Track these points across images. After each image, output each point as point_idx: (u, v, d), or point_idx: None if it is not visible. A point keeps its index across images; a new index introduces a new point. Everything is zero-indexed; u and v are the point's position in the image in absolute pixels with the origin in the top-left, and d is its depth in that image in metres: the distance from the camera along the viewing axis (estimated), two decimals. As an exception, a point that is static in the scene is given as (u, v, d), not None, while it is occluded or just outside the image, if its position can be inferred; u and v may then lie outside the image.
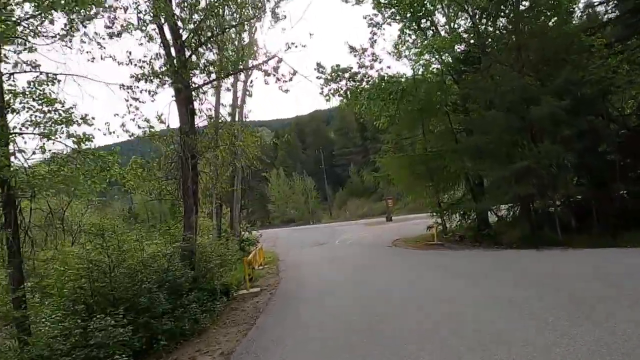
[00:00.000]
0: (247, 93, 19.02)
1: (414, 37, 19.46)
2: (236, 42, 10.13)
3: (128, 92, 9.28)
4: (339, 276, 12.19)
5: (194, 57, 10.01)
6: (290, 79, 11.40)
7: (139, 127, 9.59)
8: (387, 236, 25.25)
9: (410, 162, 18.24)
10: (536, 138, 13.84)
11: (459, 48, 18.91)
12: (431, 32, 19.75)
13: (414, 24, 19.71)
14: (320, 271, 13.87)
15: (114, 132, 9.11)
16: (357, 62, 20.69)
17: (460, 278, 9.93)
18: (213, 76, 11.38)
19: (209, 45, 10.00)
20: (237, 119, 19.43)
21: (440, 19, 20.84)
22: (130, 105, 9.44)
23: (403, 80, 19.69)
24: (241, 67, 10.03)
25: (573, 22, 16.06)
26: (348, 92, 20.76)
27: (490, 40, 16.69)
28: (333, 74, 20.55)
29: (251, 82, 19.69)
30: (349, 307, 8.28)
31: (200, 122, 10.78)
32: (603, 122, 13.82)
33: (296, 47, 10.55)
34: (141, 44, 9.67)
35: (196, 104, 10.54)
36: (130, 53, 9.45)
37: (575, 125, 13.14)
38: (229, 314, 9.24)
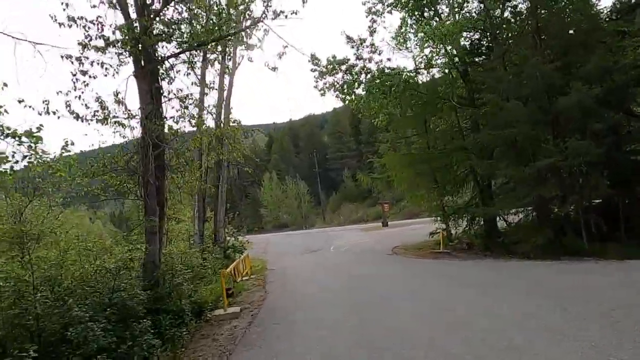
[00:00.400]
0: (228, 70, 17.08)
1: (415, 27, 17.63)
2: (215, 7, 8.22)
3: (73, 64, 7.33)
4: (335, 292, 10.23)
5: (160, 25, 8.07)
6: (280, 57, 9.54)
7: (87, 106, 7.61)
8: (386, 242, 23.37)
9: (413, 160, 16.38)
10: (561, 132, 12.05)
11: (467, 36, 17.18)
12: (435, 22, 17.99)
13: (416, 13, 17.97)
14: (314, 284, 11.94)
15: (55, 113, 7.13)
16: (355, 54, 18.86)
17: (491, 305, 8.06)
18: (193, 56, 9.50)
19: (178, 7, 8.07)
20: (222, 113, 17.51)
21: (444, 9, 19.12)
22: (77, 80, 7.48)
23: (405, 73, 17.92)
24: (218, 35, 8.12)
25: (595, 6, 14.32)
26: (345, 86, 18.92)
27: (504, 25, 14.88)
28: (329, 66, 18.72)
29: (238, 64, 17.94)
30: (350, 336, 6.40)
31: (170, 107, 8.83)
32: (625, 116, 12.15)
33: (286, 16, 8.64)
34: (94, 5, 7.73)
35: (165, 84, 8.62)
36: (79, 17, 7.50)
37: (605, 118, 11.37)
38: (196, 344, 7.22)
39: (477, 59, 16.81)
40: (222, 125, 17.52)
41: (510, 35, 14.40)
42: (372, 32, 18.32)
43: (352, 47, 18.90)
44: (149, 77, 7.84)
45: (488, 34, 14.84)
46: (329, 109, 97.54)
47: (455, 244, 17.04)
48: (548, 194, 11.57)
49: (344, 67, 18.85)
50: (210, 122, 17.20)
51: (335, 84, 19.10)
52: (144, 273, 7.77)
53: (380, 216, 59.75)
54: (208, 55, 17.33)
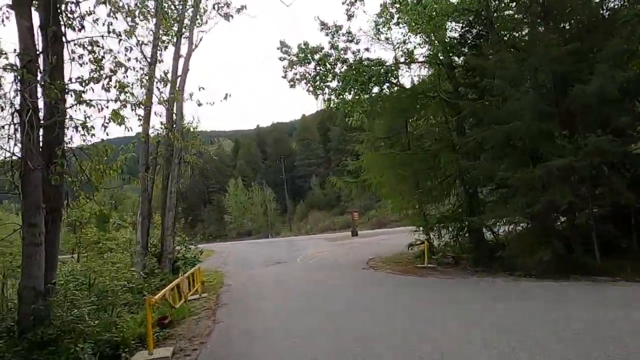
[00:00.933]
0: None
1: (398, 7, 15.54)
2: None
3: None
4: (309, 330, 7.73)
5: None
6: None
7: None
8: (358, 254, 21.10)
9: (396, 162, 14.18)
10: (574, 127, 10.13)
11: (454, 27, 15.23)
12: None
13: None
14: (279, 310, 9.47)
15: None
16: (330, 42, 16.67)
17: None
18: None
19: None
20: (175, 103, 14.86)
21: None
22: None
23: (385, 65, 15.85)
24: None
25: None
26: (317, 78, 16.66)
27: (503, 4, 12.95)
28: (300, 55, 16.43)
29: (195, 46, 15.38)
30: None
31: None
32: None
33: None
34: None
35: (71, 33, 6.04)
36: None
37: (629, 111, 9.53)
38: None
39: (464, 50, 14.89)
40: (174, 114, 14.93)
41: (509, 17, 12.49)
42: (350, 16, 16.18)
43: (327, 35, 16.71)
44: (28, 8, 5.24)
45: (483, 17, 12.86)
46: (298, 116, 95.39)
47: (439, 257, 14.91)
48: (562, 199, 9.54)
49: (317, 57, 16.61)
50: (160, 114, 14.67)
51: (307, 75, 16.85)
52: (19, 306, 5.13)
53: (349, 225, 57.74)
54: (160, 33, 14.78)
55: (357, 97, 16.54)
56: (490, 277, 11.16)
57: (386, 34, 17.31)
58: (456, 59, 15.22)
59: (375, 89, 16.68)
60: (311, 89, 17.26)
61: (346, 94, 16.67)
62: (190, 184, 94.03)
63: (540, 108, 10.12)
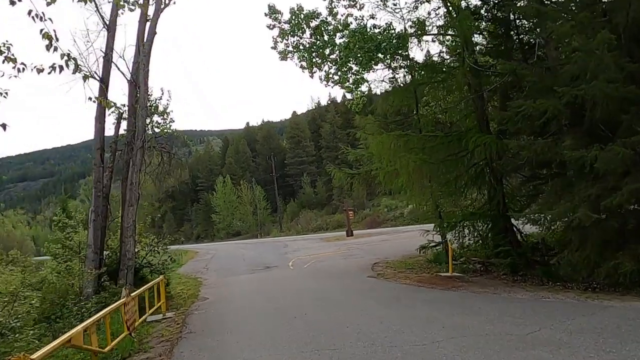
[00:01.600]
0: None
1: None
2: None
3: None
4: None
5: None
6: None
7: None
8: (358, 257, 18.29)
9: (415, 145, 11.24)
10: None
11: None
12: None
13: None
14: (264, 337, 6.61)
15: None
16: (328, 8, 13.85)
17: None
18: None
19: None
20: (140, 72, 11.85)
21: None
22: None
23: (397, 32, 13.04)
24: None
25: None
26: (314, 49, 13.82)
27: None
28: (293, 20, 13.56)
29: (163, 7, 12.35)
30: None
31: None
32: None
33: None
34: None
35: None
36: None
37: None
38: None
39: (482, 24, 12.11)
40: (138, 87, 11.93)
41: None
42: (352, -27, 13.34)
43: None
44: None
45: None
46: (288, 115, 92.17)
47: (462, 263, 12.13)
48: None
49: (313, 24, 13.78)
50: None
51: (301, 46, 14.01)
52: None
53: (342, 224, 54.94)
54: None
55: (361, 67, 13.76)
56: (546, 292, 8.36)
57: (394, -2, 14.48)
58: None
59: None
60: (305, 64, 14.47)
61: (350, 64, 13.90)
62: (177, 182, 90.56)
63: (621, 65, 7.36)
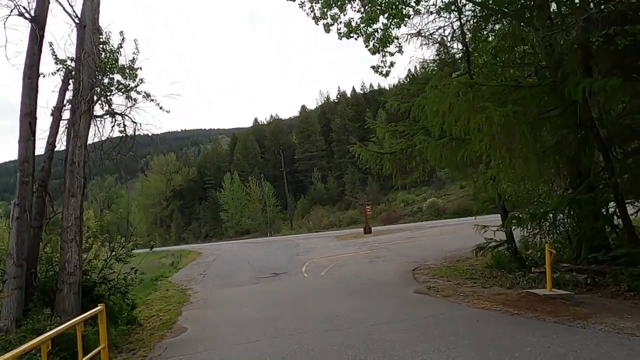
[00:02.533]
0: None
1: None
2: None
3: None
4: None
5: None
6: None
7: None
8: (387, 259, 14.57)
9: (492, 97, 7.38)
10: None
11: None
12: None
13: None
14: None
15: None
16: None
17: None
18: None
19: None
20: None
21: None
22: None
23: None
24: None
25: None
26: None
27: None
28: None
29: None
30: None
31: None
32: None
33: None
34: None
35: None
36: None
37: None
38: None
39: None
40: (84, 25, 8.24)
41: None
42: None
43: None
44: None
45: None
46: (296, 113, 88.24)
47: (563, 272, 8.28)
48: None
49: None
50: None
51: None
52: None
53: (355, 221, 51.16)
54: None
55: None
56: None
57: None
58: None
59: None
60: (319, 12, 10.91)
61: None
62: (185, 179, 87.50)
63: None
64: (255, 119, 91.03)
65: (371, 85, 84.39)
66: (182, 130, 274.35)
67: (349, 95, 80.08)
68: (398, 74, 31.40)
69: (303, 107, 78.60)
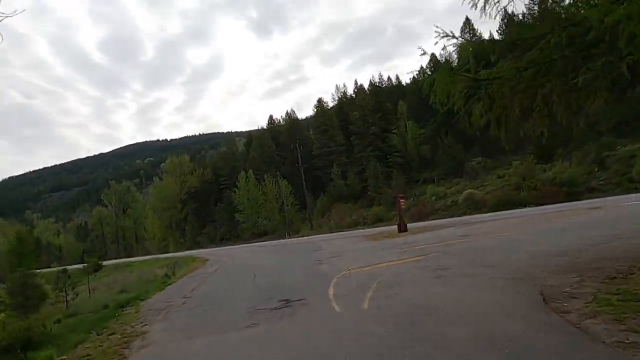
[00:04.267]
0: None
1: None
2: None
3: None
4: None
5: None
6: None
7: None
8: (457, 271, 8.96)
9: None
10: None
11: None
12: None
13: None
14: None
15: None
16: None
17: None
18: None
19: None
20: None
21: None
22: None
23: None
24: None
25: None
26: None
27: None
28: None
29: None
30: None
31: None
32: None
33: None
34: None
35: None
36: None
37: None
38: None
39: None
40: None
41: None
42: None
43: None
44: None
45: None
46: (311, 112, 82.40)
47: None
48: None
49: None
50: None
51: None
52: None
53: (381, 218, 45.44)
54: None
55: None
56: None
57: None
58: None
59: None
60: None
61: None
62: (200, 180, 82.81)
63: None
64: (271, 117, 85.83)
65: (389, 78, 78.58)
66: (200, 134, 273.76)
67: (367, 88, 74.34)
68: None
69: (319, 100, 73.09)
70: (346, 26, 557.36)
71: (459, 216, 35.62)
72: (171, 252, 60.37)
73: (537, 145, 43.34)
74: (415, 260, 12.13)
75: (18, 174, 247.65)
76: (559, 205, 28.86)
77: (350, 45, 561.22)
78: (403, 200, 25.46)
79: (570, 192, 33.83)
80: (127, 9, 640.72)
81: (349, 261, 14.16)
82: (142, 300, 13.27)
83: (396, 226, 25.12)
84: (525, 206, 33.41)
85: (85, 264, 42.41)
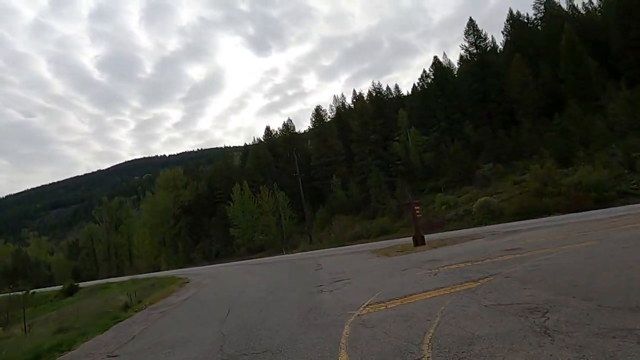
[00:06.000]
0: None
1: None
2: None
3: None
4: None
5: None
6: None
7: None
8: (563, 313, 4.61)
9: None
10: None
11: None
12: None
13: None
14: None
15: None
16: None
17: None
18: None
19: None
20: None
21: None
22: None
23: None
24: None
25: None
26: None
27: None
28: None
29: None
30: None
31: None
32: None
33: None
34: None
35: None
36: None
37: None
38: None
39: None
40: None
41: None
42: None
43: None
44: None
45: None
46: (309, 126, 78.22)
47: None
48: None
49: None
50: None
51: None
52: None
53: (386, 230, 40.99)
54: None
55: None
56: None
57: None
58: None
59: None
60: None
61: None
62: (194, 194, 78.37)
63: None
64: (267, 128, 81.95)
65: (388, 88, 74.93)
66: (198, 149, 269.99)
67: (365, 96, 70.60)
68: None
69: (317, 108, 69.19)
70: (343, 41, 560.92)
71: (475, 226, 31.28)
72: (162, 270, 55.79)
73: (554, 148, 39.29)
74: (466, 289, 7.80)
75: (16, 192, 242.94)
76: (591, 212, 24.62)
77: (347, 59, 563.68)
78: (418, 207, 21.13)
79: (600, 197, 29.60)
80: (125, 27, 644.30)
81: (361, 289, 9.82)
82: (61, 351, 8.94)
83: (410, 239, 20.81)
84: (550, 214, 29.12)
85: (63, 285, 37.96)
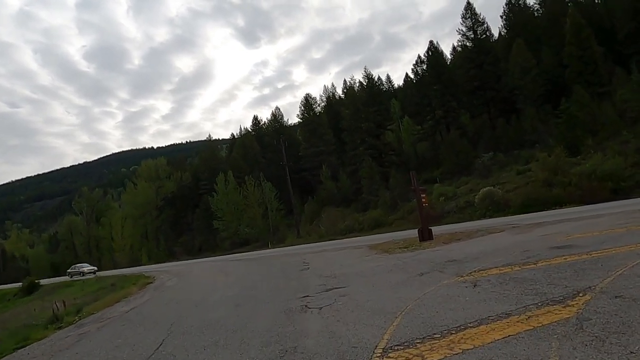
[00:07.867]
0: None
1: None
2: None
3: None
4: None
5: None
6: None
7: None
8: None
9: None
10: None
11: None
12: None
13: None
14: None
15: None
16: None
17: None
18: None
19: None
20: None
21: None
22: None
23: None
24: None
25: None
26: None
27: None
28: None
29: None
30: None
31: None
32: None
33: None
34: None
35: None
36: None
37: None
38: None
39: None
40: None
41: None
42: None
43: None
44: None
45: None
46: (295, 121, 74.16)
47: None
48: None
49: None
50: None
51: None
52: None
53: (380, 223, 37.68)
54: None
55: None
56: None
57: None
58: None
59: None
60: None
61: None
62: (178, 185, 74.29)
63: None
64: (255, 117, 78.01)
65: (379, 78, 71.39)
66: (187, 142, 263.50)
67: (357, 84, 66.97)
68: None
69: (307, 96, 65.32)
70: (334, 34, 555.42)
71: (480, 219, 28.07)
72: (143, 265, 51.97)
73: (560, 136, 36.19)
74: (557, 319, 4.36)
75: (1, 184, 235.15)
76: (612, 203, 21.55)
77: (338, 52, 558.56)
78: (424, 196, 17.73)
79: (617, 187, 26.54)
80: (113, 17, 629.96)
81: (367, 308, 6.33)
82: None
83: (409, 232, 17.53)
84: (561, 206, 26.03)
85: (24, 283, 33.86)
